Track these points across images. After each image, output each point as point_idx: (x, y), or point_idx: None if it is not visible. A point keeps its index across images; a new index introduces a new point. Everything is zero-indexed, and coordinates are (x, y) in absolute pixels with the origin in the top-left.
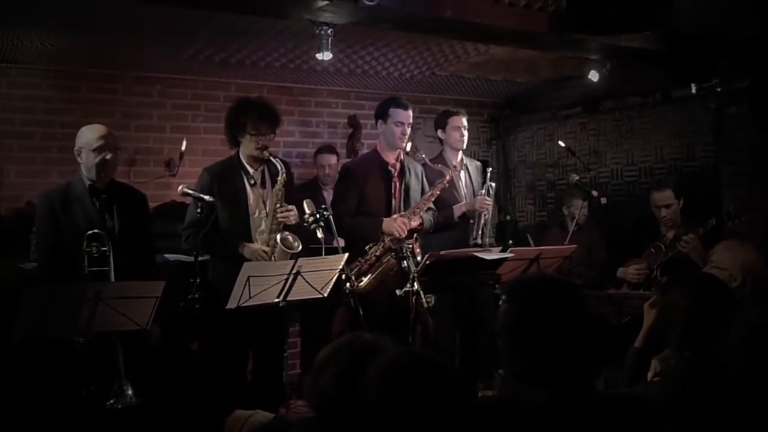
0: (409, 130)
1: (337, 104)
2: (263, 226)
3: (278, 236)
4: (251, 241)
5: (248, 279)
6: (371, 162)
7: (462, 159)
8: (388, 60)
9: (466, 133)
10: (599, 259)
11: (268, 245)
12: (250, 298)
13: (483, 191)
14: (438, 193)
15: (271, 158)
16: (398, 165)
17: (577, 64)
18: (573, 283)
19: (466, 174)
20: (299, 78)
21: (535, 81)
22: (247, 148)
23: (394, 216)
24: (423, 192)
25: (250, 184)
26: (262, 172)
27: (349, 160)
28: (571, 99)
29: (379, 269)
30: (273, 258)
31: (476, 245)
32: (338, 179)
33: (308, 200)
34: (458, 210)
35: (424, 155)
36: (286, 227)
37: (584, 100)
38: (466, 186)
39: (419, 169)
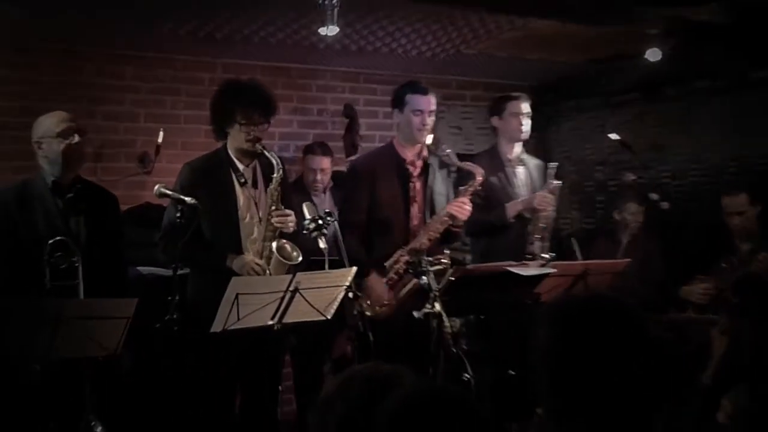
0: (430, 120)
1: (343, 88)
2: (255, 234)
3: (274, 245)
4: (241, 252)
5: (237, 297)
6: (384, 158)
7: (520, 153)
8: (405, 36)
9: (527, 121)
10: (658, 275)
11: (261, 256)
12: (238, 320)
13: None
14: (467, 200)
15: (265, 152)
16: (419, 163)
17: (634, 40)
18: (629, 304)
19: (526, 171)
20: (299, 57)
21: (583, 61)
22: (236, 140)
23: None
24: (450, 195)
25: (239, 182)
26: (254, 169)
27: (355, 156)
28: (627, 83)
29: (403, 291)
30: (268, 272)
31: (530, 256)
32: (345, 179)
33: (308, 203)
34: (513, 209)
35: (449, 150)
36: (283, 235)
37: (642, 84)
38: (526, 185)
39: (446, 167)
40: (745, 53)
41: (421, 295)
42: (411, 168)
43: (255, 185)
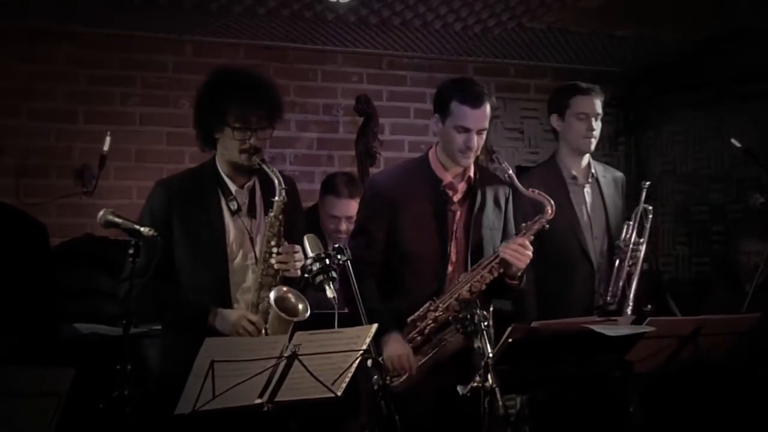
0: (479, 141)
1: (360, 76)
2: (249, 280)
3: (272, 295)
4: (229, 304)
5: (212, 366)
6: (414, 177)
7: (590, 166)
8: (446, 4)
9: (598, 124)
10: None
11: (256, 310)
12: (214, 397)
13: (631, 224)
14: (529, 242)
15: (264, 166)
16: (462, 185)
17: (764, 8)
18: (756, 375)
19: (594, 188)
20: (298, 33)
21: (692, 39)
22: (227, 151)
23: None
24: (507, 232)
25: (230, 209)
26: (251, 192)
27: (380, 171)
28: (754, 68)
29: (432, 353)
30: (265, 331)
31: (601, 311)
32: (362, 199)
33: (311, 236)
34: None
35: (508, 167)
36: (286, 280)
37: None
38: (594, 210)
39: (503, 190)
40: None
41: (461, 362)
42: (450, 192)
43: (252, 213)
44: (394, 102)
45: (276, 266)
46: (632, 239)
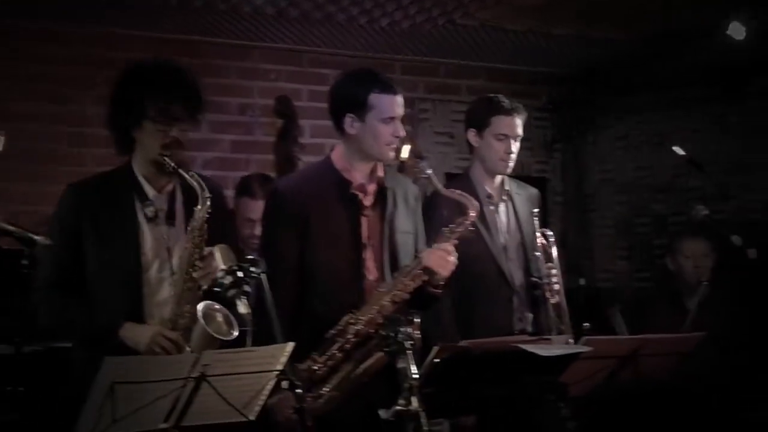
0: (402, 129)
1: (279, 73)
2: (165, 292)
3: (200, 309)
4: (142, 318)
5: (112, 388)
6: (322, 181)
7: (503, 183)
8: None
9: (517, 146)
10: (741, 357)
11: (176, 326)
12: (113, 422)
13: (539, 255)
14: (453, 247)
15: (180, 171)
16: (372, 187)
17: (710, 10)
18: (703, 398)
19: (508, 207)
20: (211, 26)
21: (634, 39)
22: (146, 149)
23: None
24: (419, 235)
25: (146, 216)
26: (171, 197)
27: (281, 179)
28: (698, 72)
29: (352, 373)
30: (188, 350)
31: (526, 332)
32: (264, 210)
33: (223, 246)
34: None
35: (426, 166)
36: (209, 294)
37: (720, 74)
38: (509, 230)
39: (412, 190)
40: None
41: (387, 382)
42: (361, 195)
43: (171, 221)
44: (315, 102)
45: (199, 280)
46: (544, 271)
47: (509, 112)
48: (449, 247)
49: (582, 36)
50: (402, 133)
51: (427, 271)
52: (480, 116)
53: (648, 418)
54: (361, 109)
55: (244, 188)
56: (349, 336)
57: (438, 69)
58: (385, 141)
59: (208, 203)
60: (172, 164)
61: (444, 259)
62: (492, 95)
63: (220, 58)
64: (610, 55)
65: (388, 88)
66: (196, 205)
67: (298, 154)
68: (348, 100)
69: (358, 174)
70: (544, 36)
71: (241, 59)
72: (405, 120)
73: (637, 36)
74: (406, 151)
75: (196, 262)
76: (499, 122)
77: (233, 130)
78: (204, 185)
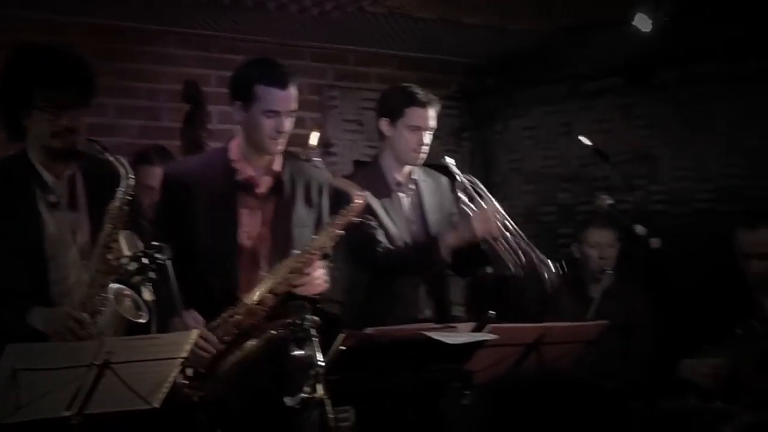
0: (289, 124)
1: (186, 59)
2: (74, 277)
3: (111, 291)
4: (50, 303)
5: (14, 374)
6: (210, 169)
7: (411, 171)
8: None
9: (429, 137)
10: (646, 346)
11: (86, 309)
12: (16, 410)
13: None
14: (337, 232)
15: (108, 156)
16: (266, 179)
17: (617, 2)
18: (603, 387)
19: (415, 195)
20: (117, 10)
21: (543, 30)
22: (38, 137)
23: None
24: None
25: (48, 203)
26: (72, 183)
27: (175, 162)
28: (605, 63)
29: (236, 359)
30: (97, 332)
31: (431, 320)
32: (159, 198)
33: (127, 232)
34: (448, 244)
35: (317, 158)
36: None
37: (627, 65)
38: (410, 218)
39: (317, 184)
40: None
41: (296, 370)
42: (252, 186)
43: (73, 206)
44: (223, 88)
45: (112, 263)
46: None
47: (424, 104)
48: (314, 267)
49: (491, 26)
50: (285, 128)
51: (295, 272)
52: (394, 106)
53: (551, 406)
54: (247, 99)
55: (143, 157)
56: (230, 326)
57: (347, 56)
58: (267, 134)
59: (131, 183)
60: (99, 149)
61: (306, 266)
62: (406, 85)
63: (127, 42)
64: (519, 45)
65: (277, 82)
66: (99, 188)
67: (206, 140)
68: (236, 89)
69: (251, 165)
70: (454, 25)
71: (149, 44)
72: (314, 107)
73: (545, 27)
74: (315, 139)
75: (112, 244)
76: (412, 113)
77: (141, 115)
78: (127, 166)
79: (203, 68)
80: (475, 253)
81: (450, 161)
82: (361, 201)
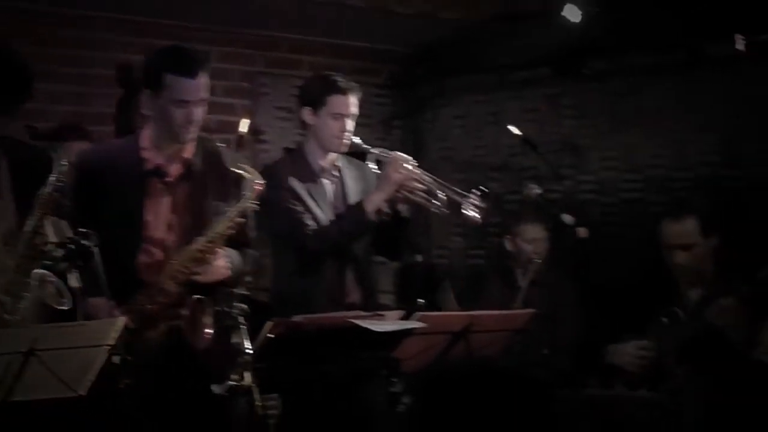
0: (199, 114)
1: (119, 45)
2: None
3: (34, 277)
4: None
5: None
6: (118, 156)
7: (335, 160)
8: None
9: (352, 125)
10: (573, 332)
11: (8, 293)
12: None
13: None
14: (235, 219)
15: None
16: (177, 167)
17: None
18: (529, 374)
19: (338, 182)
20: None
21: (473, 19)
22: None
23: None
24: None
25: None
26: None
27: (88, 146)
28: (534, 53)
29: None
30: (17, 317)
31: (357, 307)
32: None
33: (54, 219)
34: (372, 202)
35: (222, 145)
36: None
37: (556, 55)
38: (335, 204)
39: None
40: (703, 19)
41: (222, 357)
42: (160, 175)
43: None
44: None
45: (40, 246)
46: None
47: (344, 91)
48: (217, 254)
49: (422, 14)
50: (196, 117)
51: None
52: (315, 95)
53: (479, 395)
54: (157, 87)
55: (56, 134)
56: (136, 315)
57: (279, 44)
58: (177, 123)
59: (64, 170)
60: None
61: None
62: (326, 73)
63: (59, 26)
64: (449, 34)
65: (186, 71)
66: (27, 174)
67: (140, 126)
68: (146, 77)
69: (161, 153)
70: (385, 13)
71: (80, 29)
72: (243, 94)
73: (476, 16)
74: (245, 126)
75: (39, 230)
76: (334, 101)
77: (70, 100)
78: (60, 154)
79: (137, 54)
80: (399, 224)
81: (356, 139)
82: (259, 188)
